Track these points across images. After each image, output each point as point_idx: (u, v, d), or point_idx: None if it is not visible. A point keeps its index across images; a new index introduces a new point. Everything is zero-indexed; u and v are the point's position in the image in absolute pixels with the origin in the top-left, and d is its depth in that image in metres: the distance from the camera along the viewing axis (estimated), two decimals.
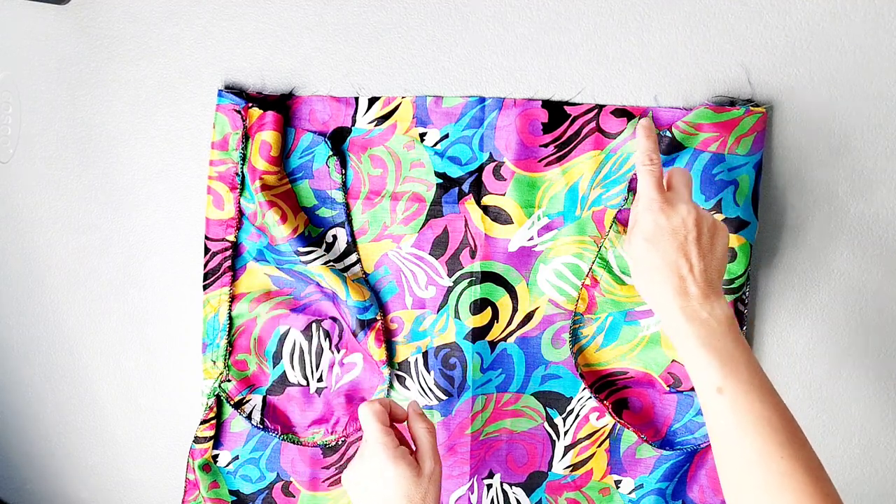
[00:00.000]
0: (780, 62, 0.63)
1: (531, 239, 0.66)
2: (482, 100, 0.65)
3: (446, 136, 0.65)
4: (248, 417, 0.68)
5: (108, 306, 0.74)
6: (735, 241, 0.62)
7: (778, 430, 0.47)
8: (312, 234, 0.67)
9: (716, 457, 0.50)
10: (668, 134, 0.61)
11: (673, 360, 0.65)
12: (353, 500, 0.56)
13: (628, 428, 0.65)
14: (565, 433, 0.67)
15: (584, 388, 0.66)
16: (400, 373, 0.67)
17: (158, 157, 0.71)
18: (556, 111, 0.64)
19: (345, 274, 0.67)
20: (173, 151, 0.71)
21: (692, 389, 0.65)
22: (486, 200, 0.66)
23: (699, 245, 0.53)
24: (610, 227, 0.64)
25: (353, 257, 0.67)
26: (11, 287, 0.76)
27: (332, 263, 0.67)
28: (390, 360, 0.67)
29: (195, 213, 0.70)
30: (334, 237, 0.67)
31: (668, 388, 0.65)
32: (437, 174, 0.66)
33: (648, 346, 0.65)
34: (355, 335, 0.67)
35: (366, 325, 0.66)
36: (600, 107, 0.64)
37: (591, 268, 0.65)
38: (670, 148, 0.62)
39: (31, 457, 0.78)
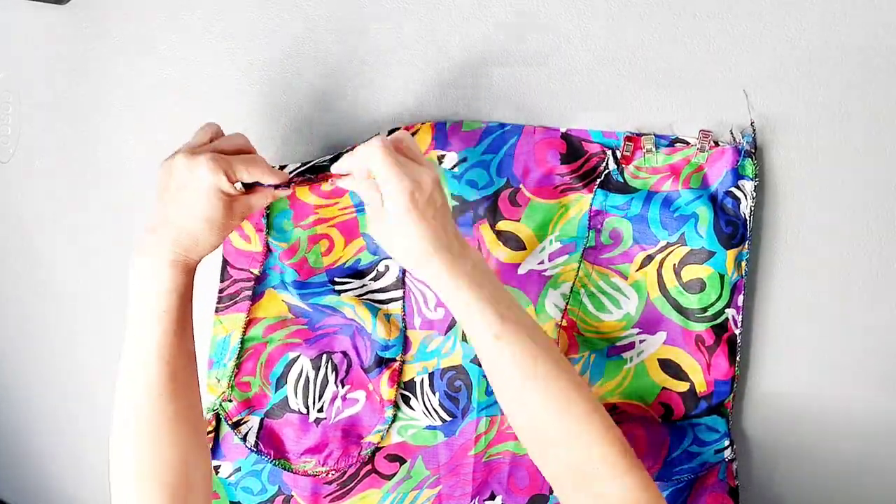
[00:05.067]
0: (778, 87, 0.62)
1: (541, 263, 0.65)
2: (502, 125, 0.63)
3: (464, 159, 0.64)
4: (244, 439, 0.68)
5: (108, 306, 0.73)
6: (703, 271, 0.62)
7: (551, 363, 0.52)
8: (364, 260, 0.66)
9: (499, 395, 0.54)
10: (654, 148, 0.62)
11: (663, 388, 0.65)
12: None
13: None
14: None
15: None
16: (405, 392, 0.67)
17: (159, 158, 0.69)
18: (574, 144, 0.63)
19: (380, 307, 0.66)
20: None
21: (684, 417, 0.65)
22: (500, 226, 0.65)
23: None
24: (579, 267, 0.64)
25: (398, 293, 0.66)
26: (11, 287, 0.75)
27: (370, 294, 0.66)
28: (398, 401, 0.67)
29: None
30: (387, 267, 0.66)
31: (659, 420, 0.66)
32: (454, 197, 0.65)
33: (636, 377, 0.66)
34: (367, 371, 0.66)
35: (383, 363, 0.66)
36: (612, 150, 0.63)
37: (565, 309, 0.65)
38: (623, 190, 0.63)
39: (31, 457, 0.78)
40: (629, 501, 0.49)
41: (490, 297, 0.52)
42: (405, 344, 0.67)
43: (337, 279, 0.65)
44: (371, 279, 0.66)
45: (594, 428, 0.51)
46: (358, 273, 0.67)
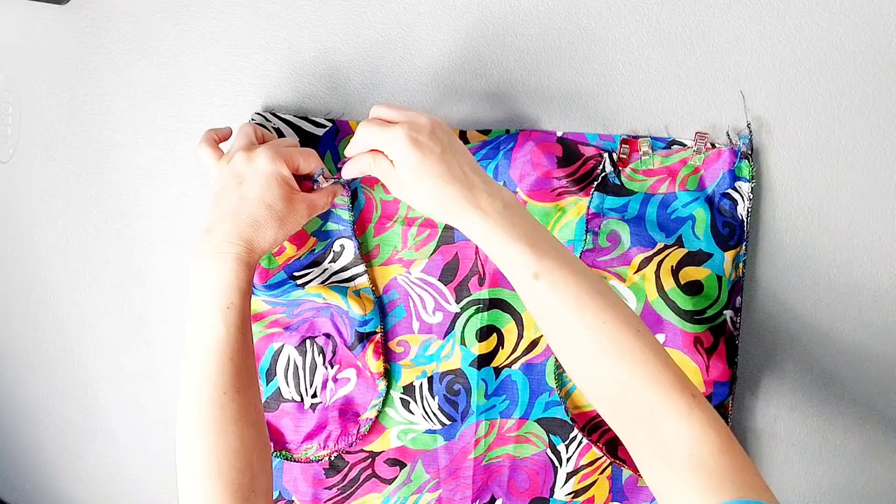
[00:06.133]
0: (775, 88, 0.62)
1: None
2: (498, 137, 0.63)
3: None
4: None
5: (108, 306, 0.73)
6: (701, 273, 0.62)
7: (596, 298, 0.49)
8: (319, 248, 0.66)
9: (548, 339, 0.52)
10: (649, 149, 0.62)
11: None
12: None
13: (624, 466, 0.66)
14: (567, 460, 0.67)
15: (576, 431, 0.66)
16: (404, 396, 0.67)
17: (158, 158, 0.70)
18: (570, 148, 0.63)
19: (347, 285, 0.66)
20: (173, 151, 0.69)
21: None
22: None
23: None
24: None
25: (360, 268, 0.66)
26: (11, 287, 0.75)
27: (333, 277, 0.66)
28: (388, 372, 0.67)
29: (195, 214, 0.69)
30: (342, 247, 0.66)
31: None
32: None
33: None
34: (351, 348, 0.66)
35: (364, 338, 0.66)
36: (609, 152, 0.63)
37: None
38: (620, 193, 0.63)
39: (31, 456, 0.78)
40: (694, 440, 0.45)
41: (524, 235, 0.51)
42: (382, 314, 0.66)
43: (296, 273, 0.65)
44: (330, 262, 0.66)
45: (650, 367, 0.47)
46: (315, 262, 0.66)
